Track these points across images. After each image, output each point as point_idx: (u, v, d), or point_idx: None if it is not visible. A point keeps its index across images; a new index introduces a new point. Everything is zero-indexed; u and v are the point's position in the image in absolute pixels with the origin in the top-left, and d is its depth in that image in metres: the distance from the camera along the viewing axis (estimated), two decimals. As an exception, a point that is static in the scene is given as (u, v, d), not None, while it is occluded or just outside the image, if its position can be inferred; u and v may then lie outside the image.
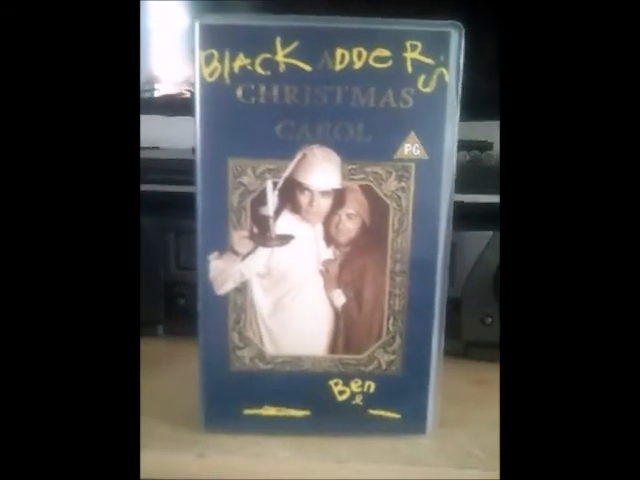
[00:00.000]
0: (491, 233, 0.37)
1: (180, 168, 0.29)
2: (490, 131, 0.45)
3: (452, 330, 0.38)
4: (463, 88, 0.28)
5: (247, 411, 0.31)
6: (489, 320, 0.37)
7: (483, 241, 0.37)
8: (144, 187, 0.38)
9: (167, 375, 0.36)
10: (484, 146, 0.45)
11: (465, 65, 0.28)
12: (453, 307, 0.37)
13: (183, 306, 0.41)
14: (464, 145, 0.44)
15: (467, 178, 0.37)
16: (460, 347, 0.39)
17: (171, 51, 0.66)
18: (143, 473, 0.30)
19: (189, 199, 0.28)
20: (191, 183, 0.28)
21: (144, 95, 0.65)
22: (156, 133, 0.50)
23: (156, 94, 0.69)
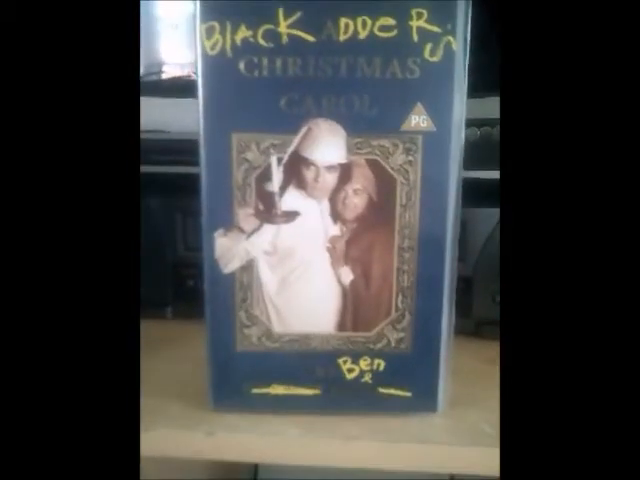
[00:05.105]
0: (502, 209, 0.36)
1: (187, 149, 0.29)
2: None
3: (463, 309, 0.37)
4: (473, 63, 0.27)
5: (255, 390, 0.30)
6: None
7: (494, 218, 0.36)
8: (151, 169, 0.38)
9: (177, 356, 0.36)
10: (495, 122, 0.44)
11: (475, 39, 0.27)
12: (464, 285, 0.37)
13: (192, 287, 0.41)
14: (475, 121, 0.43)
15: (478, 154, 0.37)
16: (471, 326, 0.38)
17: (177, 33, 0.65)
18: (153, 451, 0.30)
19: (196, 180, 0.28)
20: (197, 164, 0.28)
21: (151, 78, 0.65)
22: (164, 115, 0.50)
23: (163, 77, 0.68)
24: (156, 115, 0.42)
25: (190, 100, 0.28)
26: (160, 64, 0.68)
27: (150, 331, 0.30)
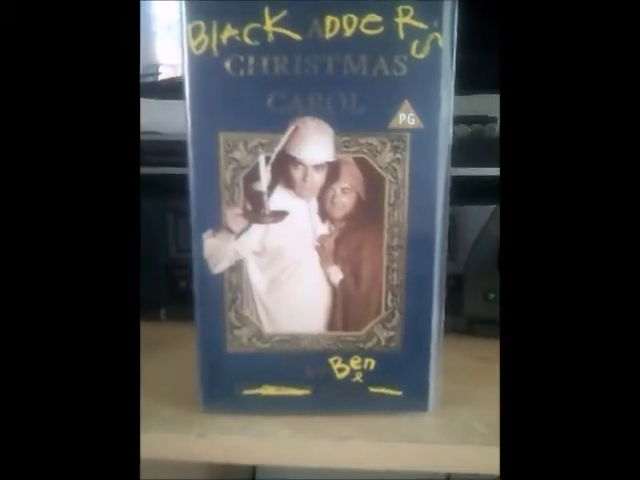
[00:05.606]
0: (493, 207, 0.36)
1: (180, 150, 0.29)
2: (493, 104, 0.44)
3: (455, 306, 0.37)
4: (462, 60, 0.27)
5: (246, 391, 0.30)
6: (492, 296, 0.37)
7: (485, 215, 0.36)
8: (143, 170, 0.38)
9: (169, 358, 0.36)
10: (486, 119, 0.44)
11: (465, 36, 0.27)
12: (455, 283, 0.36)
13: (185, 289, 0.41)
14: (465, 118, 0.43)
15: (469, 151, 0.37)
16: (463, 323, 0.38)
17: (170, 34, 0.65)
18: (145, 453, 0.30)
19: (186, 181, 0.28)
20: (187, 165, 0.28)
21: (147, 80, 0.64)
22: (157, 117, 0.49)
23: (158, 78, 0.68)
24: (149, 116, 0.42)
25: (182, 102, 0.27)
26: (155, 65, 0.68)
27: (143, 333, 0.29)
